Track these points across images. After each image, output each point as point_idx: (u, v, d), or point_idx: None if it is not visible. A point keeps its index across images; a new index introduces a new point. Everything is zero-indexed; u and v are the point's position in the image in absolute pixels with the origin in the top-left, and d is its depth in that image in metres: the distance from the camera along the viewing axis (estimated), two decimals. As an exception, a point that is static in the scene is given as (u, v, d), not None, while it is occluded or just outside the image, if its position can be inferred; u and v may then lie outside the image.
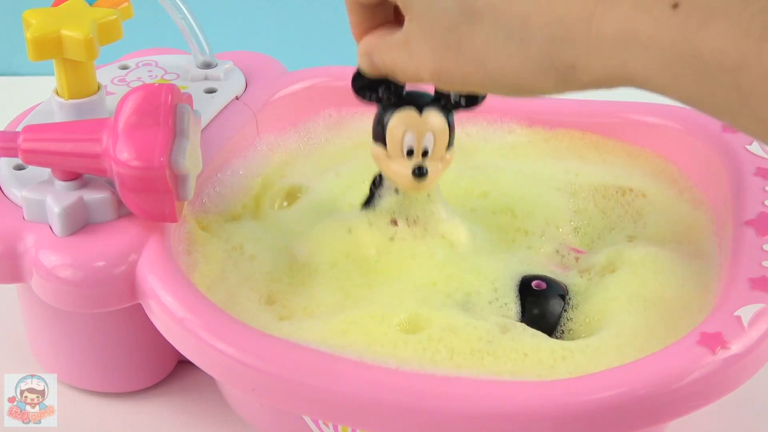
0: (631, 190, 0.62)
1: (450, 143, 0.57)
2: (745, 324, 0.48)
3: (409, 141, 0.56)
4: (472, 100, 0.56)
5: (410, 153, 0.56)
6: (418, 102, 0.56)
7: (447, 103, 0.56)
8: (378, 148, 0.57)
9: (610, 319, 0.53)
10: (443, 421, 0.46)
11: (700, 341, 0.47)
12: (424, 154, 0.56)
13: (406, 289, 0.56)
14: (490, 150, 0.66)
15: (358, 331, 0.52)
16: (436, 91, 0.56)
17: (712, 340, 0.47)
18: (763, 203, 0.56)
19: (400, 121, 0.56)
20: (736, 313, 0.48)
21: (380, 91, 0.56)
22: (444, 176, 0.59)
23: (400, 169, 0.57)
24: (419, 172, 0.56)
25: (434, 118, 0.56)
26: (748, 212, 0.55)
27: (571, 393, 0.45)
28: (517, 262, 0.58)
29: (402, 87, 0.56)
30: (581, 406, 0.45)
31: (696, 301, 0.53)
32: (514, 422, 0.45)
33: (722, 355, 0.46)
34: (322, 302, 0.56)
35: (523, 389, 0.46)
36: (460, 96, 0.56)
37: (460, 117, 0.67)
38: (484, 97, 0.56)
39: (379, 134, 0.57)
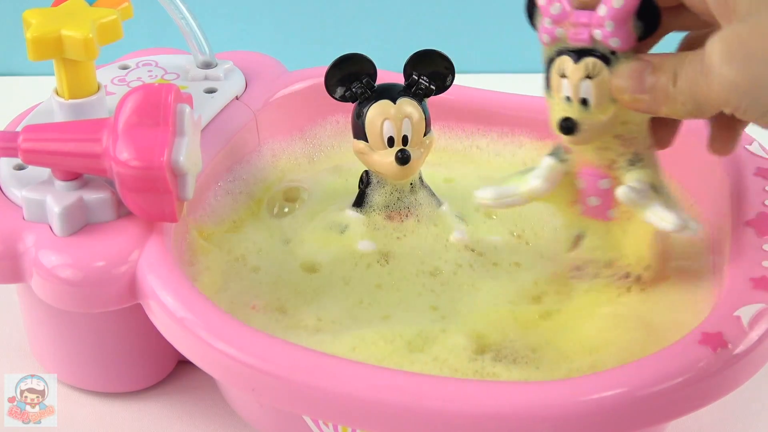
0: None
1: (428, 129, 0.60)
2: (745, 324, 0.48)
3: (388, 130, 0.58)
4: (441, 87, 0.60)
5: (391, 142, 0.59)
6: (391, 93, 0.59)
7: (418, 89, 0.59)
8: (360, 143, 0.60)
9: (610, 339, 0.53)
10: (443, 421, 0.46)
11: (700, 341, 0.47)
12: (405, 141, 0.59)
13: (412, 302, 0.56)
14: (500, 164, 0.66)
15: (366, 349, 0.52)
16: (407, 81, 0.59)
17: (712, 340, 0.47)
18: (763, 203, 0.56)
19: (377, 112, 0.59)
20: (736, 313, 0.48)
21: (354, 87, 0.59)
22: (457, 183, 0.61)
23: (383, 159, 0.59)
24: (402, 156, 0.58)
25: (408, 105, 0.59)
26: (748, 212, 0.55)
27: (571, 393, 0.45)
28: (510, 280, 0.58)
29: (374, 81, 0.59)
30: (581, 406, 0.45)
31: (687, 324, 0.52)
32: (514, 422, 0.45)
33: (722, 355, 0.46)
34: (331, 314, 0.56)
35: (523, 389, 0.46)
36: (430, 81, 0.59)
37: (470, 130, 0.68)
38: (452, 82, 0.60)
39: (359, 129, 0.59)
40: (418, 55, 0.60)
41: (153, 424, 0.58)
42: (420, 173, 0.61)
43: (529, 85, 0.62)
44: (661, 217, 0.50)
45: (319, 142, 0.69)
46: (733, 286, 0.50)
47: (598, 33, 0.48)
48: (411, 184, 0.61)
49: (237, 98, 0.66)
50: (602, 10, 0.48)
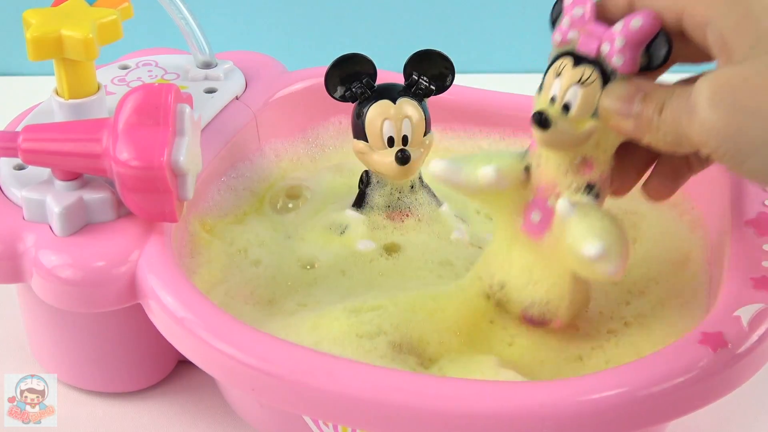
0: (634, 213, 0.61)
1: (427, 129, 0.60)
2: (745, 324, 0.48)
3: (388, 130, 0.59)
4: (441, 87, 0.60)
5: (391, 142, 0.59)
6: (391, 93, 0.59)
7: (418, 89, 0.59)
8: (360, 143, 0.60)
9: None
10: (443, 421, 0.46)
11: (700, 341, 0.47)
12: (404, 141, 0.59)
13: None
14: None
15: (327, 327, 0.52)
16: (407, 81, 0.59)
17: (713, 340, 0.47)
18: (763, 203, 0.56)
19: (377, 112, 0.59)
20: (736, 313, 0.48)
21: (354, 87, 0.59)
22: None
23: (383, 159, 0.59)
24: (402, 156, 0.58)
25: (408, 105, 0.59)
26: (748, 212, 0.55)
27: (571, 393, 0.45)
28: None
29: (374, 81, 0.59)
30: (581, 406, 0.45)
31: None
32: (514, 422, 0.45)
33: (722, 355, 0.46)
34: (312, 299, 0.56)
35: (523, 389, 0.46)
36: (430, 81, 0.59)
37: (473, 131, 0.67)
38: (452, 82, 0.60)
39: (359, 129, 0.59)
40: (418, 55, 0.60)
41: (153, 424, 0.58)
42: (420, 173, 0.61)
43: (530, 85, 0.62)
44: (586, 238, 0.48)
45: (320, 142, 0.69)
46: (733, 286, 0.50)
47: (606, 46, 0.48)
48: (411, 184, 0.61)
49: (237, 98, 0.66)
50: (618, 26, 0.48)
